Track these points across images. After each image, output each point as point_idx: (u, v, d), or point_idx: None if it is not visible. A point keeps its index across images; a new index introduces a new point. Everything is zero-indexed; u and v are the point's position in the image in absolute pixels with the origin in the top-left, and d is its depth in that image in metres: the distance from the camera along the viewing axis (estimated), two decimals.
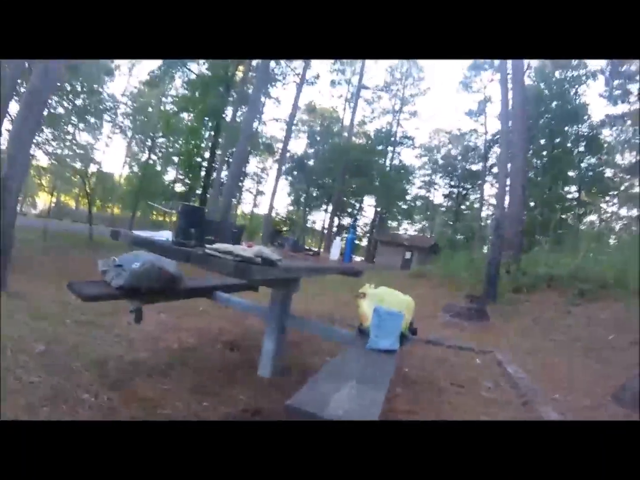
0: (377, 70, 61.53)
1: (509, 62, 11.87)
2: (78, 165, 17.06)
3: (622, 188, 20.20)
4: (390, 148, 34.42)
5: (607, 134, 21.26)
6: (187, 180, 24.45)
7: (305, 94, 42.14)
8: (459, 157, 33.71)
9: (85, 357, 2.37)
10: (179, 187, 24.91)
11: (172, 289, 1.95)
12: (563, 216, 19.61)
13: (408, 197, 36.22)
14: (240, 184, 20.01)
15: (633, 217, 19.44)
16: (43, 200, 33.79)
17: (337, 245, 2.78)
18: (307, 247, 2.57)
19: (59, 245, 12.56)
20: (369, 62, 32.11)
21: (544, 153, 18.99)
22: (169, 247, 1.53)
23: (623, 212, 20.55)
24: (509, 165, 10.47)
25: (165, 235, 1.71)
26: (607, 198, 20.61)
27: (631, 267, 6.64)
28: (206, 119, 22.85)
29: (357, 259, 39.76)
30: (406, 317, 2.28)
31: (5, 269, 4.13)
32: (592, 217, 20.83)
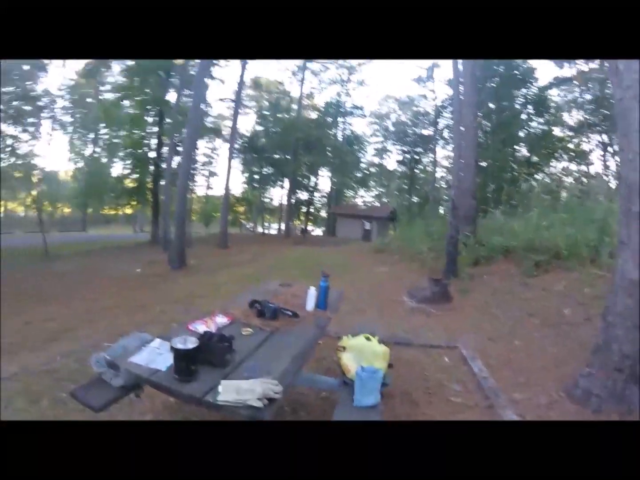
0: None
1: None
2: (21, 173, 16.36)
3: (571, 145, 21.15)
4: (340, 119, 34.28)
5: (555, 94, 22.03)
6: (135, 174, 23.45)
7: (250, 70, 40.32)
8: (410, 123, 34.02)
9: None
10: (128, 182, 23.83)
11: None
12: (515, 174, 20.28)
13: (362, 166, 36.67)
14: (192, 171, 19.47)
15: (583, 172, 20.58)
16: None
17: (312, 295, 2.75)
18: (285, 309, 2.58)
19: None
20: None
21: (493, 116, 19.44)
22: (177, 389, 1.58)
23: (573, 167, 21.70)
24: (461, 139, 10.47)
25: (156, 351, 1.79)
26: (556, 155, 21.45)
27: (580, 236, 6.95)
28: (148, 107, 21.83)
29: (319, 231, 39.75)
30: (383, 366, 2.51)
31: None
32: (543, 176, 21.74)
